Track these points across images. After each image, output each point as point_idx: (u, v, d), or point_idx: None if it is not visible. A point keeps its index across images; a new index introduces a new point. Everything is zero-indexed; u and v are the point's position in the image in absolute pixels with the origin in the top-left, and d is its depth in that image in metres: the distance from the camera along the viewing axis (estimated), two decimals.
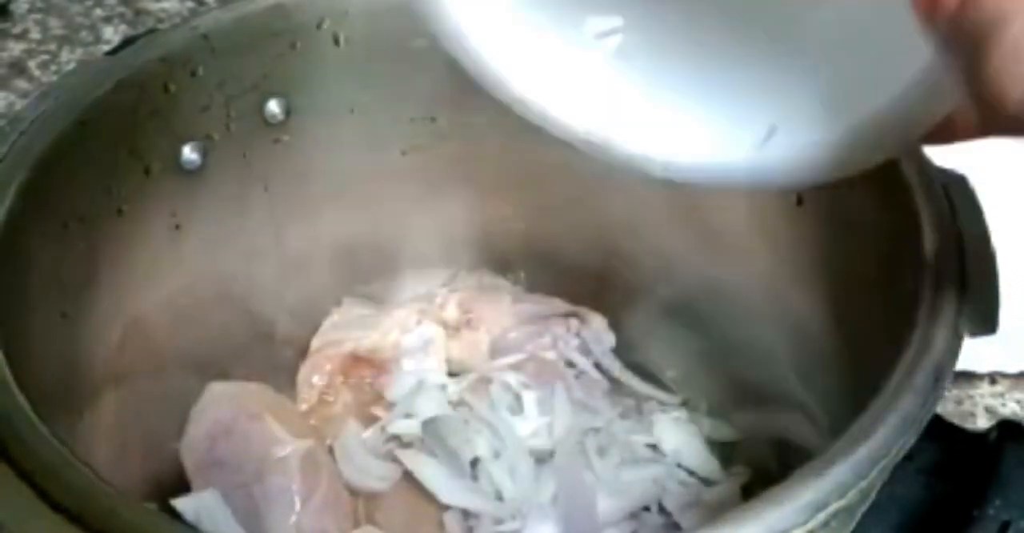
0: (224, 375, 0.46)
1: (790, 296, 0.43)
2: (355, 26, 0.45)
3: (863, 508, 0.29)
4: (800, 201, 0.41)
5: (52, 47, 0.73)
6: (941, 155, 0.33)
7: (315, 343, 0.50)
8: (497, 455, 0.44)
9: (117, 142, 0.40)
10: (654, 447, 0.46)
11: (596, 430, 0.45)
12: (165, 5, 0.77)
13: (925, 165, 0.35)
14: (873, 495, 0.29)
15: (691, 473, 0.45)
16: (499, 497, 0.43)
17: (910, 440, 0.28)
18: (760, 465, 0.45)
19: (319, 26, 0.45)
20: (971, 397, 0.51)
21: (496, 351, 0.50)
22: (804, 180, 0.27)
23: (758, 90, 0.28)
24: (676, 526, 0.43)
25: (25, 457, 0.28)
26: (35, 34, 0.75)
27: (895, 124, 0.25)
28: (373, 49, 0.46)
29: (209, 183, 0.44)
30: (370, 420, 0.47)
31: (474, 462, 0.43)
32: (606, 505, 0.42)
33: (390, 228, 0.52)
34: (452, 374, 0.49)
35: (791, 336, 0.43)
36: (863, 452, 0.27)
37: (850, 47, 0.26)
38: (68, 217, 0.37)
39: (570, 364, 0.50)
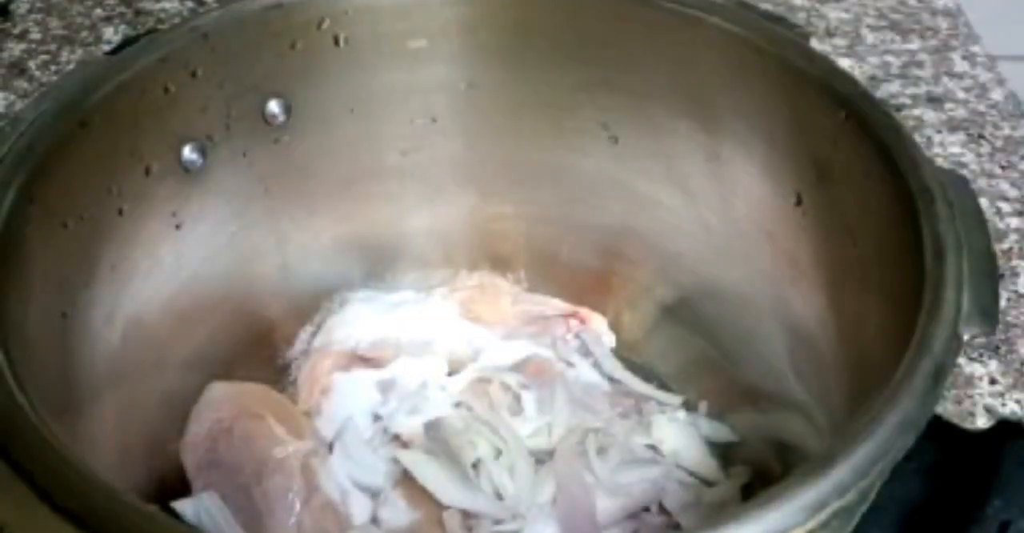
0: (225, 375, 0.46)
1: (790, 296, 0.43)
2: (355, 26, 0.45)
3: (863, 508, 0.29)
4: (799, 201, 0.41)
5: (52, 47, 0.73)
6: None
7: (316, 342, 0.50)
8: (497, 455, 0.44)
9: (117, 142, 0.40)
10: (654, 448, 0.46)
11: (596, 430, 0.45)
12: (165, 5, 0.77)
13: (925, 165, 0.35)
14: (872, 495, 0.29)
15: (691, 473, 0.45)
16: (499, 497, 0.43)
17: (910, 440, 0.28)
18: (760, 465, 0.45)
19: (319, 26, 0.45)
20: (971, 397, 0.51)
21: (496, 351, 0.50)
22: None
23: None
24: (676, 526, 0.43)
25: (25, 457, 0.28)
26: (35, 34, 0.75)
27: None
28: (373, 49, 0.46)
29: (209, 183, 0.44)
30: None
31: (475, 463, 0.43)
32: (605, 505, 0.42)
33: (390, 228, 0.52)
34: (452, 374, 0.49)
35: (791, 336, 0.43)
36: (863, 452, 0.27)
37: None
38: (68, 217, 0.37)
39: (570, 364, 0.50)
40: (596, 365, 0.51)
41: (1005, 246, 0.59)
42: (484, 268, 0.54)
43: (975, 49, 0.74)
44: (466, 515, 0.42)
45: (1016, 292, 0.56)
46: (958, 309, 0.31)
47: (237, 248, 0.47)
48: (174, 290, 0.44)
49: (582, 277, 0.53)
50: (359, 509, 0.43)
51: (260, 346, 0.50)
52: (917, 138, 0.52)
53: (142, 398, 0.42)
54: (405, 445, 0.45)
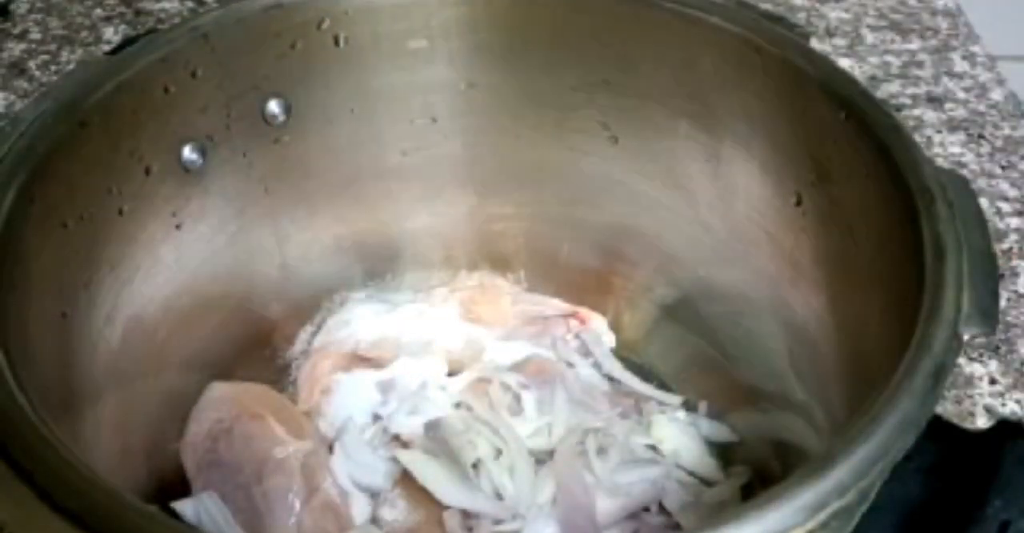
0: (225, 375, 0.46)
1: (789, 296, 0.43)
2: (355, 26, 0.45)
3: (863, 508, 0.29)
4: (799, 201, 0.41)
5: (52, 47, 0.73)
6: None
7: (316, 342, 0.50)
8: (497, 455, 0.44)
9: (117, 142, 0.40)
10: (654, 448, 0.46)
11: (596, 431, 0.45)
12: (165, 5, 0.77)
13: (925, 165, 0.35)
14: (873, 495, 0.29)
15: (691, 473, 0.45)
16: (499, 497, 0.43)
17: (910, 440, 0.28)
18: (760, 465, 0.45)
19: (319, 26, 0.45)
20: (971, 396, 0.51)
21: (496, 351, 0.50)
22: None
23: None
24: (676, 526, 0.43)
25: (25, 457, 0.28)
26: (35, 34, 0.75)
27: None
28: (373, 49, 0.46)
29: (210, 183, 0.44)
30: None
31: (475, 464, 0.43)
32: (605, 506, 0.42)
33: (390, 228, 0.52)
34: (452, 374, 0.49)
35: (790, 336, 0.43)
36: (863, 452, 0.27)
37: None
38: (68, 217, 0.37)
39: (570, 364, 0.50)
40: (596, 365, 0.51)
41: (1005, 246, 0.59)
42: (484, 268, 0.54)
43: (975, 49, 0.74)
44: (466, 515, 0.42)
45: (1016, 292, 0.56)
46: (958, 309, 0.31)
47: (237, 248, 0.47)
48: (174, 290, 0.44)
49: (582, 277, 0.53)
50: (359, 509, 0.43)
51: (260, 346, 0.50)
52: (917, 138, 0.52)
53: (142, 398, 0.42)
54: (405, 445, 0.45)
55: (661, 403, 0.49)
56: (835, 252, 0.39)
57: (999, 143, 0.66)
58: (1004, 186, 0.63)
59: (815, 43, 0.42)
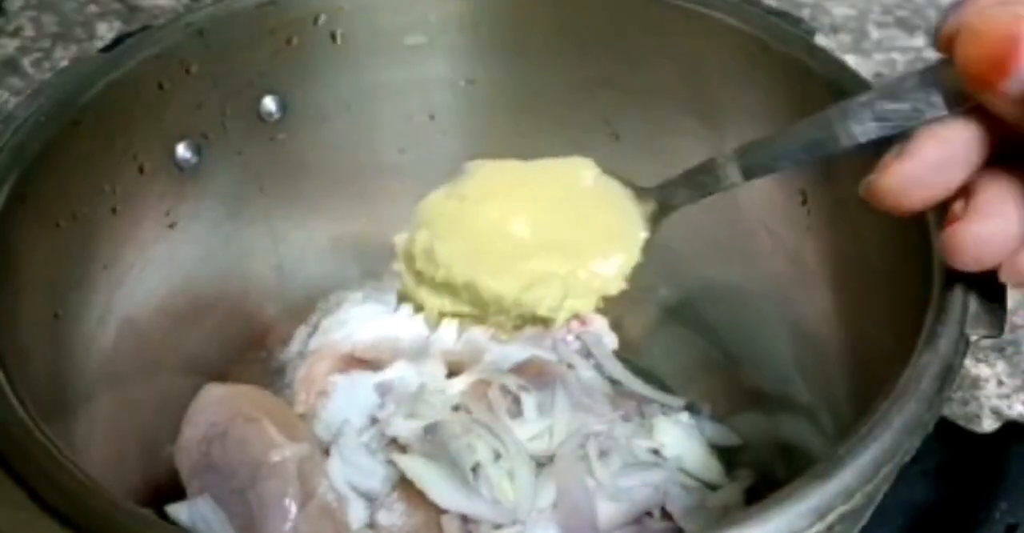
0: (220, 377, 0.46)
1: (795, 296, 0.42)
2: (352, 22, 0.45)
3: (868, 511, 0.29)
4: (805, 200, 0.41)
5: (46, 44, 0.73)
6: None
7: (312, 344, 0.50)
8: (497, 459, 0.43)
9: (111, 140, 0.40)
10: (656, 451, 0.45)
11: (597, 434, 0.44)
12: (160, 1, 0.77)
13: None
14: (879, 498, 0.29)
15: (694, 477, 0.45)
16: (498, 502, 0.42)
17: (916, 443, 0.28)
18: (764, 468, 0.45)
19: (315, 22, 0.44)
20: (977, 398, 0.50)
21: (496, 353, 0.50)
22: None
23: None
24: (679, 531, 0.42)
25: (19, 460, 0.28)
26: (29, 31, 0.74)
27: None
28: (370, 46, 0.46)
29: (204, 182, 0.44)
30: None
31: (475, 467, 0.43)
32: (607, 510, 0.42)
33: (388, 227, 0.52)
34: (451, 375, 0.49)
35: (795, 338, 0.43)
36: (868, 456, 0.27)
37: None
38: (61, 216, 0.37)
39: (571, 366, 0.50)
40: (597, 367, 0.50)
41: None
42: None
43: None
44: (465, 520, 0.42)
45: None
46: (965, 309, 0.30)
47: (232, 248, 0.47)
48: (168, 290, 0.43)
49: None
50: (356, 514, 0.43)
51: (255, 348, 0.50)
52: None
53: (136, 400, 0.42)
54: (403, 449, 0.45)
55: (664, 405, 0.48)
56: (841, 251, 0.39)
57: None
58: None
59: (820, 39, 0.42)
